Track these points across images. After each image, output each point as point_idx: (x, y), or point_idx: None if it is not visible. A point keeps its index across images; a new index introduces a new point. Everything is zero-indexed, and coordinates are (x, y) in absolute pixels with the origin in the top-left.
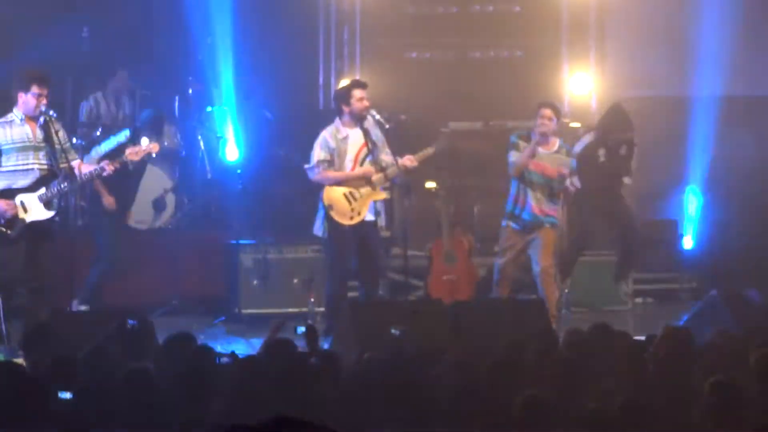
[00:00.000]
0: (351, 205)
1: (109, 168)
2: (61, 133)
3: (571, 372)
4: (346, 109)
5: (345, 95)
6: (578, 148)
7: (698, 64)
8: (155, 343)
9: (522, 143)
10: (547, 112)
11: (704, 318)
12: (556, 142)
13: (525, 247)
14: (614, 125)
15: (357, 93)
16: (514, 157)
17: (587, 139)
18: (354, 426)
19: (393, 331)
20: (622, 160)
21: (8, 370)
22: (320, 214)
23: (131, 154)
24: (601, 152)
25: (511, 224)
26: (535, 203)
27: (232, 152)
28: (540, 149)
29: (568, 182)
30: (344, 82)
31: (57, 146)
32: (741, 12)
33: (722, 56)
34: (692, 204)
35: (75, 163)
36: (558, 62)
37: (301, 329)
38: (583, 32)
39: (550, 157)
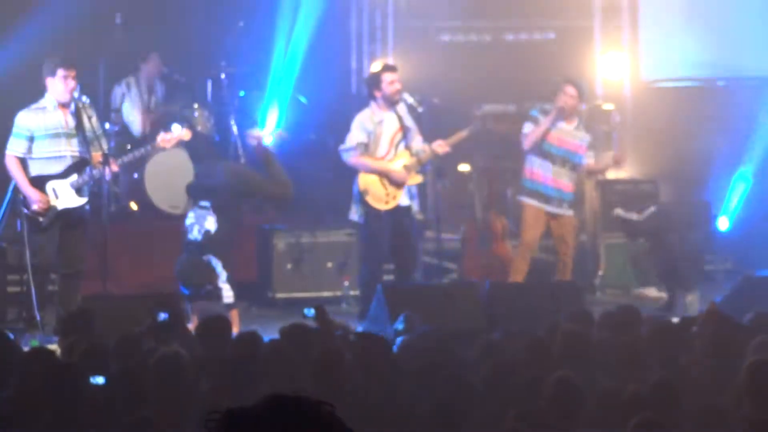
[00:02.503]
0: (386, 189)
1: (110, 169)
2: (94, 120)
3: (603, 354)
4: (377, 93)
5: (376, 80)
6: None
7: (734, 44)
8: (186, 330)
9: (541, 118)
10: (571, 89)
11: (739, 299)
12: (575, 120)
13: (548, 223)
14: None
15: (387, 77)
16: (527, 128)
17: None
18: (388, 407)
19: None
20: None
21: (42, 356)
22: (356, 199)
23: (163, 141)
24: None
25: (532, 201)
26: (554, 176)
27: (267, 137)
28: (563, 123)
29: (584, 159)
30: (375, 67)
31: (89, 133)
32: None
33: (760, 37)
34: (739, 187)
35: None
36: (590, 44)
37: (310, 312)
38: (615, 14)
39: (571, 132)
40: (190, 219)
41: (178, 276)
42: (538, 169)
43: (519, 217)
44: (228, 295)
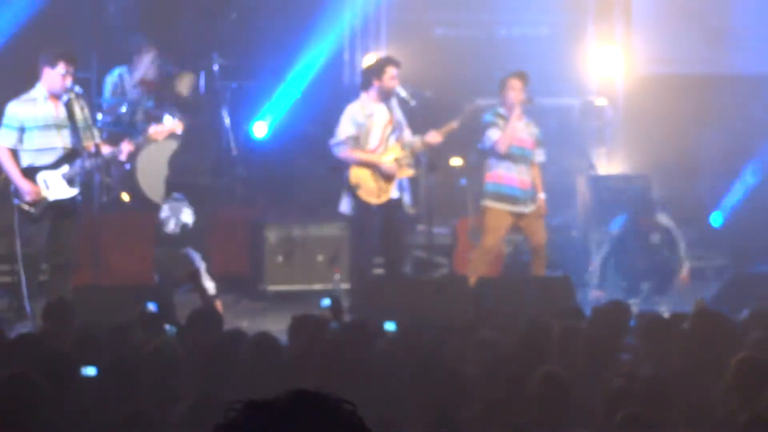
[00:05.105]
0: (378, 184)
1: (126, 149)
2: (86, 111)
3: (594, 349)
4: (376, 83)
5: (378, 70)
6: None
7: (728, 39)
8: (176, 321)
9: (500, 120)
10: (516, 82)
11: (729, 296)
12: (524, 116)
13: (514, 224)
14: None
15: (391, 70)
16: (495, 135)
17: None
18: (378, 402)
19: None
20: None
21: (29, 342)
22: (347, 191)
23: (155, 133)
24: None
25: (497, 204)
26: (518, 176)
27: (259, 129)
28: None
29: (536, 155)
30: (375, 57)
31: (81, 124)
32: None
33: (753, 32)
34: (746, 181)
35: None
36: (584, 39)
37: (326, 302)
38: (609, 9)
39: (523, 129)
40: (165, 212)
41: (156, 271)
42: (502, 171)
43: (481, 222)
44: (209, 286)
